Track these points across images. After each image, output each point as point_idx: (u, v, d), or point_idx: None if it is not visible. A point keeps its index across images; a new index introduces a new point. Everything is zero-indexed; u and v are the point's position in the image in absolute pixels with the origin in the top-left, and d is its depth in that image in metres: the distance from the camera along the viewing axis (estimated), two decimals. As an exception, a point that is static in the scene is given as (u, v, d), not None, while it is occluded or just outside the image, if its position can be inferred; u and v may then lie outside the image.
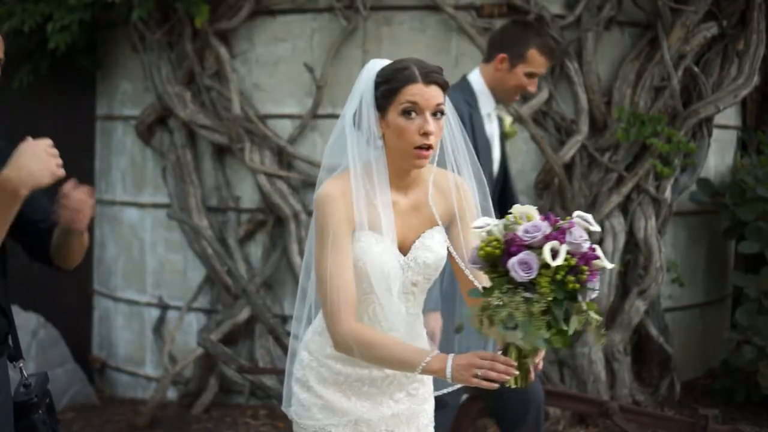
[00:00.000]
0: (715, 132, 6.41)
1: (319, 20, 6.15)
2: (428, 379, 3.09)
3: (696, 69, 6.23)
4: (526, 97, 5.84)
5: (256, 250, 6.38)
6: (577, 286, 2.58)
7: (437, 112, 2.87)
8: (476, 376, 2.65)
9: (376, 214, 2.90)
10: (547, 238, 2.57)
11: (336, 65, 6.10)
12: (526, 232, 2.59)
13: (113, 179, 6.92)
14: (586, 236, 2.61)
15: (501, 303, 2.57)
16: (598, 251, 2.62)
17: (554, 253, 2.57)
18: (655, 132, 5.90)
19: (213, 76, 6.35)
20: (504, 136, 4.61)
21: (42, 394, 3.04)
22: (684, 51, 6.12)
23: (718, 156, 6.73)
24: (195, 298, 6.50)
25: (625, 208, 6.13)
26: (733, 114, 6.92)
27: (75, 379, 6.71)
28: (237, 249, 6.32)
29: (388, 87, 2.89)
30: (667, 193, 6.14)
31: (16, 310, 6.60)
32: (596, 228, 2.66)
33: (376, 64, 2.98)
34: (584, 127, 6.01)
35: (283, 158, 6.22)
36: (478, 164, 3.05)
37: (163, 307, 6.64)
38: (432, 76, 2.88)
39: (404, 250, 2.94)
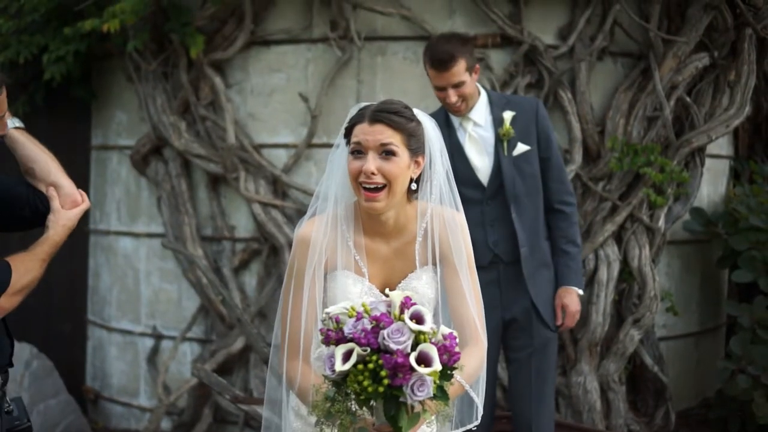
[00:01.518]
0: (708, 161, 6.45)
1: (313, 50, 6.18)
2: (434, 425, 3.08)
3: (688, 99, 6.27)
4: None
5: (250, 279, 6.37)
6: (380, 388, 2.49)
7: (384, 152, 2.87)
8: None
9: (351, 255, 2.92)
10: (368, 338, 2.51)
11: (330, 95, 6.12)
12: (352, 326, 2.54)
13: (108, 209, 6.93)
14: (403, 340, 2.50)
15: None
16: (413, 358, 2.49)
17: (347, 356, 2.52)
18: (649, 161, 5.94)
19: (208, 106, 6.37)
20: (499, 140, 4.62)
21: (27, 419, 3.07)
22: (676, 81, 6.17)
23: (711, 185, 6.76)
24: (189, 328, 6.49)
25: (619, 237, 6.14)
26: (726, 144, 6.95)
27: (68, 410, 6.68)
28: (232, 278, 6.32)
29: (346, 128, 2.95)
30: (661, 222, 6.16)
31: (9, 340, 6.59)
32: (425, 328, 2.53)
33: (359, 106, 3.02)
34: (578, 156, 6.04)
35: (278, 187, 6.23)
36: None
37: (158, 337, 6.63)
38: (379, 115, 2.88)
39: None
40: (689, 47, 6.13)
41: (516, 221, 4.60)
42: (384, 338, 2.48)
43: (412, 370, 2.48)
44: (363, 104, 2.99)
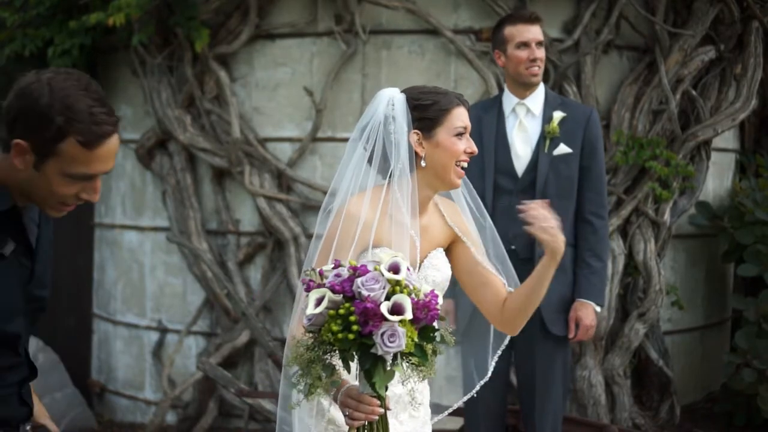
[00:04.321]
0: (714, 155, 6.43)
1: (318, 44, 6.17)
2: (426, 401, 3.10)
3: (694, 92, 6.26)
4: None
5: (255, 273, 6.38)
6: (350, 336, 2.48)
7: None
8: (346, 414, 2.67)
9: (395, 233, 2.93)
10: (342, 285, 2.51)
11: (335, 89, 6.12)
12: (333, 276, 2.55)
13: (113, 203, 6.93)
14: (377, 288, 2.49)
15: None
16: (385, 306, 2.48)
17: (320, 301, 2.52)
18: (654, 155, 5.92)
19: (213, 99, 6.37)
20: (543, 136, 4.60)
21: None
22: (682, 75, 6.15)
23: (717, 179, 6.74)
24: (194, 322, 6.50)
25: (624, 231, 6.13)
26: (732, 137, 6.94)
27: (74, 404, 6.69)
28: (236, 272, 6.32)
29: (434, 110, 2.99)
30: (666, 216, 6.15)
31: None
32: (399, 277, 2.53)
33: (390, 93, 3.04)
34: (583, 150, 6.02)
35: (283, 181, 6.23)
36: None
37: (163, 331, 6.63)
38: (466, 102, 3.06)
39: (414, 268, 2.97)
40: (695, 40, 6.12)
41: None
42: (358, 286, 2.48)
43: (384, 318, 2.46)
44: (440, 90, 3.05)
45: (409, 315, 2.47)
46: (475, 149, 3.00)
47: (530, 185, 4.56)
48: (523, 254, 4.55)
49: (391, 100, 3.01)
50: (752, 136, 7.24)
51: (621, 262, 6.04)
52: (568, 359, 4.90)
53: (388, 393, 2.72)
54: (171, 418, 6.49)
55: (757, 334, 6.02)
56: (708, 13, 6.15)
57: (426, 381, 3.07)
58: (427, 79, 5.85)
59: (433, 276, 3.00)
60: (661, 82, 6.04)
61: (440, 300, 2.65)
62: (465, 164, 2.99)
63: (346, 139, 6.03)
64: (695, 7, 6.16)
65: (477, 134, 4.47)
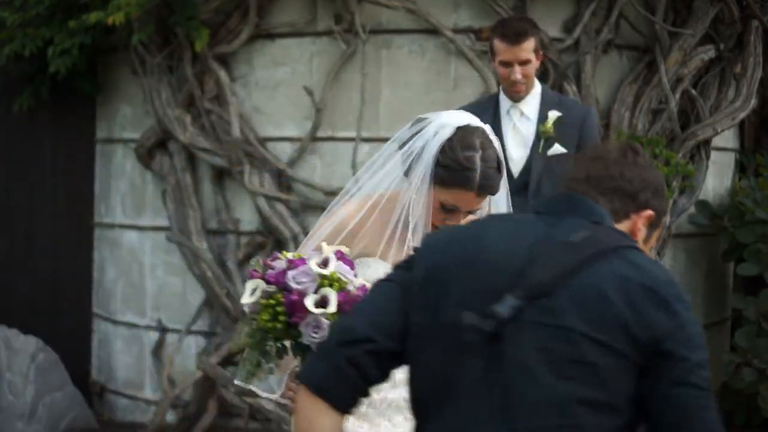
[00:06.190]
0: (714, 154, 6.43)
1: (318, 44, 6.17)
2: None
3: (694, 92, 6.26)
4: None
5: (255, 273, 6.37)
6: (278, 325, 2.59)
7: (471, 212, 2.92)
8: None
9: (391, 247, 2.93)
10: (276, 277, 2.61)
11: (335, 88, 6.12)
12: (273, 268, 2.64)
13: (113, 202, 6.93)
14: (306, 281, 2.58)
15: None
16: (310, 300, 2.56)
17: (253, 291, 2.64)
18: (654, 155, 5.92)
19: (213, 99, 6.37)
20: (538, 137, 4.60)
21: None
22: (682, 74, 6.15)
23: (717, 178, 6.74)
24: (194, 321, 6.50)
25: (624, 230, 6.12)
26: (732, 137, 6.93)
27: (74, 403, 6.69)
28: (236, 272, 6.32)
29: (444, 175, 2.87)
30: (666, 216, 6.13)
31: (15, 333, 6.64)
32: (325, 272, 2.59)
33: (450, 123, 2.91)
34: (583, 149, 6.02)
35: (283, 181, 6.23)
36: None
37: (163, 330, 6.64)
38: (488, 188, 2.89)
39: None
40: (695, 40, 6.12)
41: None
42: (289, 279, 2.58)
43: (308, 310, 2.56)
44: (470, 163, 2.87)
45: (332, 308, 2.54)
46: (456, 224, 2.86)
47: (525, 186, 4.55)
48: None
49: (438, 132, 2.91)
50: (752, 136, 7.24)
51: (621, 261, 6.03)
52: None
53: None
54: (171, 417, 6.49)
55: (757, 334, 6.02)
56: (708, 13, 6.15)
57: None
58: (426, 79, 5.86)
59: None
60: (660, 82, 6.04)
61: None
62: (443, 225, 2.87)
63: (345, 139, 6.09)
64: (695, 6, 6.16)
65: None
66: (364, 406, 2.99)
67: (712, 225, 6.46)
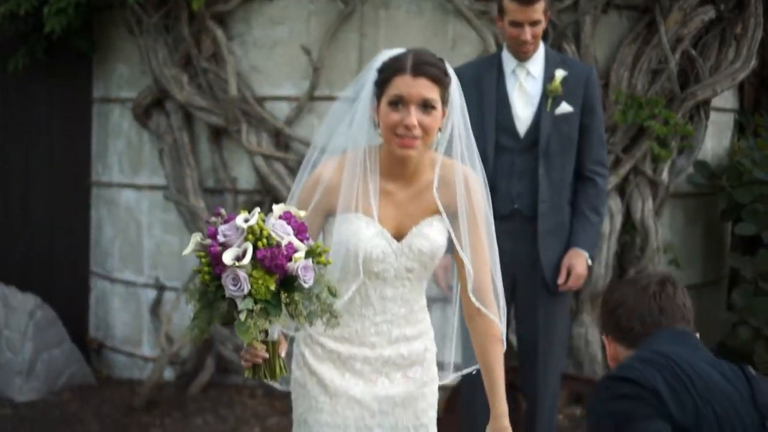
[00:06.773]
0: (713, 115, 6.42)
1: (316, 3, 6.14)
2: (431, 363, 3.10)
3: (693, 52, 6.23)
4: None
5: (253, 232, 6.37)
6: (206, 277, 2.64)
7: (424, 105, 2.86)
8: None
9: (368, 198, 2.92)
10: (212, 232, 2.65)
11: (333, 48, 6.09)
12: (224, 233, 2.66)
13: (110, 161, 6.92)
14: (231, 235, 2.63)
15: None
16: (229, 252, 2.61)
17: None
18: (653, 114, 5.91)
19: (210, 58, 6.33)
20: (545, 95, 4.60)
21: None
22: (681, 34, 6.13)
23: (716, 139, 6.74)
24: (191, 279, 6.51)
25: (622, 189, 6.13)
26: (731, 97, 6.92)
27: (72, 360, 6.72)
28: (234, 231, 6.32)
29: (382, 77, 2.91)
30: (664, 176, 6.15)
31: (13, 291, 6.65)
32: (245, 225, 2.63)
33: (386, 53, 2.97)
34: (581, 109, 6.01)
35: (280, 140, 6.22)
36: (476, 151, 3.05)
37: (160, 288, 6.65)
38: (423, 68, 2.87)
39: (401, 237, 2.95)
40: (695, 0, 6.08)
41: (542, 177, 4.57)
42: (218, 233, 2.63)
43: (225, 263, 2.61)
44: (392, 52, 2.95)
45: (245, 261, 2.57)
46: (414, 122, 2.84)
47: (532, 144, 4.60)
48: (527, 212, 4.61)
49: (377, 58, 2.98)
50: (751, 96, 7.23)
51: (618, 220, 6.05)
52: (568, 317, 4.95)
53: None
54: (169, 374, 6.52)
55: (754, 293, 6.05)
56: (708, -28, 6.11)
57: (431, 341, 3.08)
58: (424, 39, 5.82)
59: (420, 245, 2.95)
60: (660, 42, 6.02)
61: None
62: (408, 134, 2.85)
63: (343, 98, 6.05)
64: (695, -35, 6.13)
65: (477, 93, 4.49)
66: (358, 363, 3.01)
67: (711, 185, 6.46)
